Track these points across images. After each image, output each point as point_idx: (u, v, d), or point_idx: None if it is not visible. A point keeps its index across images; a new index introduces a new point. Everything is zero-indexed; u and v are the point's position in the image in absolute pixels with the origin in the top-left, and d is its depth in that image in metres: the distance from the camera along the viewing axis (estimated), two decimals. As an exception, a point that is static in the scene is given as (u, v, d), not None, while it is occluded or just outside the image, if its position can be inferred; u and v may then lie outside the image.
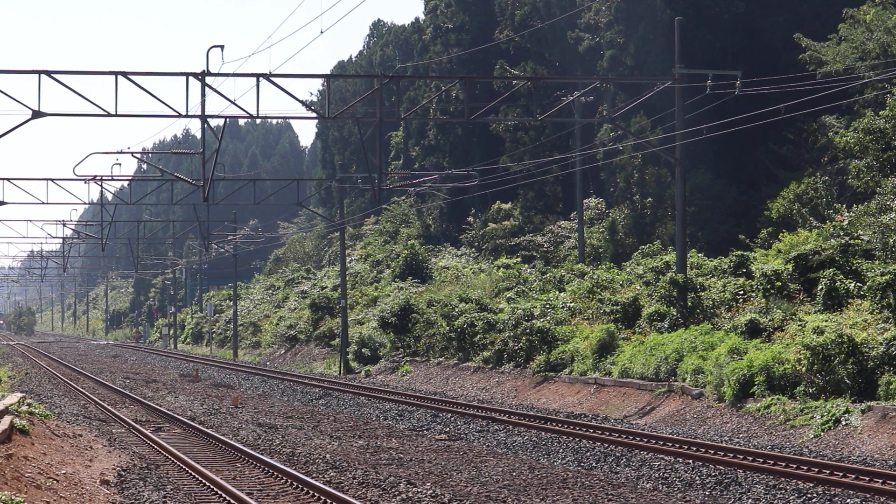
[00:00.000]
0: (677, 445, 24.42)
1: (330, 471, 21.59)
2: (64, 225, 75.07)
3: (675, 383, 33.08)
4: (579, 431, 27.54)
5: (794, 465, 21.07)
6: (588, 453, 24.21)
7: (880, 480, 19.36)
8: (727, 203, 54.14)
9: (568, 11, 68.41)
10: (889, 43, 43.32)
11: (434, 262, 70.95)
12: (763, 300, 35.37)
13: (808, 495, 18.53)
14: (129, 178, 61.49)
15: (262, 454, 23.58)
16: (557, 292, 49.01)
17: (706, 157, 54.48)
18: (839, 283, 32.71)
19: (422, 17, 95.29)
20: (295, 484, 19.95)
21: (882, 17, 44.12)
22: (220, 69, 34.88)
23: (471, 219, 75.31)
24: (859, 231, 35.93)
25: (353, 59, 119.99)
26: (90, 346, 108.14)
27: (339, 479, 20.58)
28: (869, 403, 25.72)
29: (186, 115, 34.63)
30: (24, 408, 27.32)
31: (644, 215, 57.34)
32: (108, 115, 33.81)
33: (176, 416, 32.75)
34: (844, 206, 43.27)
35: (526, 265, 61.54)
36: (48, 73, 32.97)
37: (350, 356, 60.15)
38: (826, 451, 23.73)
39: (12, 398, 27.95)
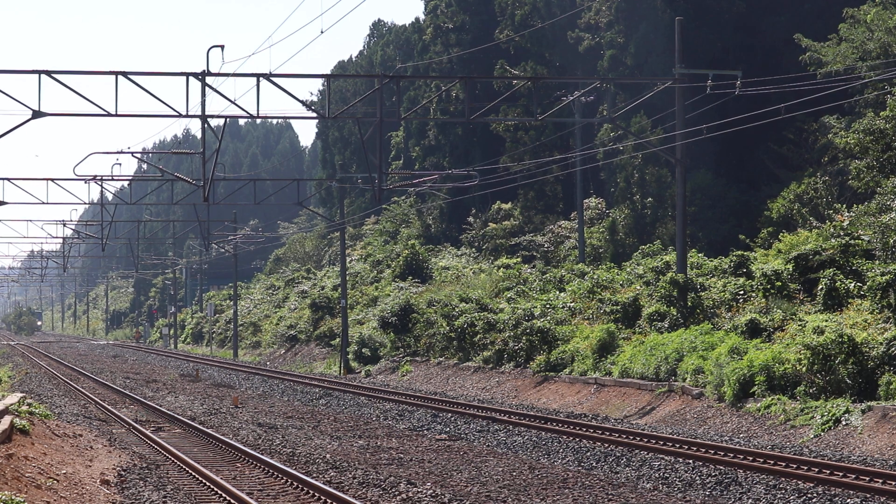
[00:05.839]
0: (677, 445, 24.41)
1: (330, 471, 21.59)
2: (64, 225, 75.15)
3: (676, 383, 33.07)
4: (579, 431, 27.53)
5: (795, 465, 21.06)
6: (588, 453, 24.21)
7: (880, 480, 19.36)
8: (727, 203, 54.12)
9: (568, 11, 68.38)
10: (889, 43, 43.30)
11: (434, 262, 70.93)
12: (763, 300, 35.37)
13: (808, 495, 18.53)
14: (130, 178, 61.46)
15: (262, 454, 23.58)
16: (557, 292, 49.01)
17: (707, 157, 54.47)
18: (839, 283, 32.70)
19: (422, 17, 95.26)
20: (295, 484, 19.95)
21: (882, 17, 44.12)
22: (220, 69, 34.87)
23: (471, 219, 75.29)
24: (859, 231, 35.94)
25: (354, 59, 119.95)
26: (90, 345, 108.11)
27: (340, 479, 20.57)
28: (869, 403, 25.71)
29: (186, 115, 34.62)
30: (25, 408, 27.32)
31: (644, 215, 57.32)
32: (109, 115, 33.81)
33: (176, 415, 32.75)
34: (844, 206, 43.29)
35: (526, 265, 61.53)
36: (48, 73, 32.96)
37: (350, 356, 60.15)
38: (826, 451, 23.72)
39: (12, 398, 27.96)
